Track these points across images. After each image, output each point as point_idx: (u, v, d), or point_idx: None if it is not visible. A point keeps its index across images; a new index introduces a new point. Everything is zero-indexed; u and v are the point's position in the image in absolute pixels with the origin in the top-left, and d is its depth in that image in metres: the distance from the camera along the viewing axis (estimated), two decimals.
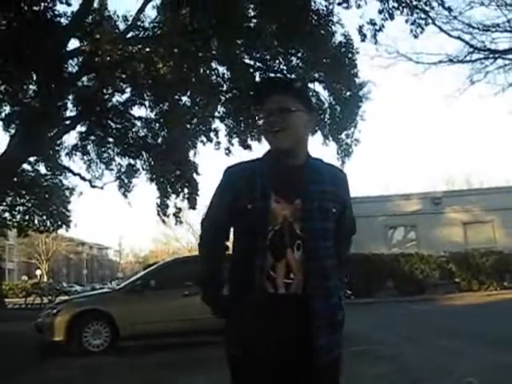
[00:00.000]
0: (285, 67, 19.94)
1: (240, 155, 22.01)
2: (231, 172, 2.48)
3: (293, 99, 2.39)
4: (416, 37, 17.45)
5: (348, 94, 19.66)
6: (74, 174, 23.90)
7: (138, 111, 28.84)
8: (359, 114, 20.22)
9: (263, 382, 2.26)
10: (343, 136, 20.47)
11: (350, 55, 18.83)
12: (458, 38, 19.49)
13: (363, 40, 17.82)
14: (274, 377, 2.27)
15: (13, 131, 20.65)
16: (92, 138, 23.14)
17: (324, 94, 20.70)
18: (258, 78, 19.27)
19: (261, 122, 2.44)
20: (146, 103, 21.01)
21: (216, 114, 21.03)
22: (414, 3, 17.10)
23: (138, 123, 22.37)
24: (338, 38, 18.85)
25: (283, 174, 2.36)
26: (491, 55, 19.92)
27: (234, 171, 2.47)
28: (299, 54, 19.29)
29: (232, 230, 2.47)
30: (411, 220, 28.66)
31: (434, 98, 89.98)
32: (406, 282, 22.68)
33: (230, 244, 2.52)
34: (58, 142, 22.42)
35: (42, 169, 24.02)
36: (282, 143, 2.35)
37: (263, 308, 2.23)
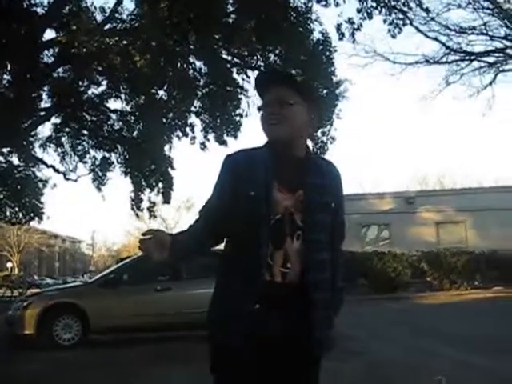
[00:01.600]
0: (262, 63, 19.92)
1: (215, 151, 21.95)
2: (232, 159, 2.44)
3: (292, 92, 2.39)
4: (394, 37, 17.59)
5: (325, 91, 19.68)
6: (48, 166, 23.64)
7: (113, 104, 28.51)
8: (335, 112, 20.27)
9: (257, 370, 2.25)
10: (319, 133, 20.48)
11: (327, 53, 18.86)
12: (435, 39, 19.73)
13: (341, 38, 17.90)
14: (269, 365, 2.28)
15: None
16: (67, 130, 22.91)
17: (303, 88, 20.73)
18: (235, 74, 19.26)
19: (260, 113, 2.43)
20: (122, 96, 20.86)
21: (192, 108, 20.93)
22: (393, 3, 17.20)
23: (114, 116, 22.20)
24: (316, 35, 18.87)
25: (286, 164, 2.36)
26: (467, 57, 20.19)
27: (236, 158, 2.44)
28: (277, 51, 19.27)
29: (233, 217, 2.35)
30: (385, 219, 28.87)
31: (409, 99, 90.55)
32: (379, 280, 22.84)
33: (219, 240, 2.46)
34: (32, 133, 22.16)
35: (15, 160, 23.71)
36: (279, 134, 2.35)
37: (264, 295, 2.23)
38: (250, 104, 20.04)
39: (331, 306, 2.41)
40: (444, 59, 20.39)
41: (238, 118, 20.10)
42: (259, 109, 2.45)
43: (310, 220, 2.32)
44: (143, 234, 2.27)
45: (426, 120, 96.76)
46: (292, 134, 2.36)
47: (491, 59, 20.53)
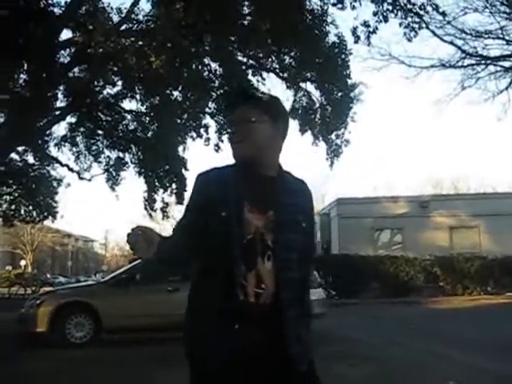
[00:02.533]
0: (277, 66, 19.93)
1: (229, 152, 21.91)
2: (204, 178, 2.44)
3: (256, 110, 2.38)
4: (409, 40, 17.48)
5: (339, 94, 19.65)
6: (62, 165, 23.77)
7: (128, 104, 28.66)
8: (350, 116, 20.23)
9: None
10: (333, 136, 20.47)
11: (342, 56, 18.82)
12: (451, 43, 19.63)
13: (356, 41, 17.81)
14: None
15: (1, 120, 20.55)
16: (82, 129, 23.03)
17: (316, 94, 20.69)
18: (250, 77, 19.26)
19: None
20: (137, 96, 20.93)
21: (207, 109, 20.96)
22: (409, 7, 17.11)
23: (129, 116, 22.29)
24: (332, 38, 18.83)
25: (256, 184, 2.34)
26: (483, 61, 20.07)
27: (207, 177, 2.43)
28: (292, 53, 19.25)
29: (202, 237, 2.34)
30: (398, 222, 28.77)
31: (424, 102, 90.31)
32: (391, 284, 22.77)
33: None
34: (48, 132, 22.29)
35: (30, 159, 23.90)
36: (240, 153, 2.36)
37: (235, 314, 2.22)
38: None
39: (302, 322, 2.37)
40: (460, 63, 20.29)
41: None
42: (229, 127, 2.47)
43: (281, 240, 2.30)
44: (132, 230, 2.25)
45: (440, 124, 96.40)
46: (255, 151, 2.35)
47: (507, 64, 20.39)
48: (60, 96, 20.64)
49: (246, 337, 2.23)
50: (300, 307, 2.35)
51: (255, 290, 2.26)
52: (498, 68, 20.23)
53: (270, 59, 19.81)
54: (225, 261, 2.26)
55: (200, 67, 19.24)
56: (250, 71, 19.91)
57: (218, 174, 2.42)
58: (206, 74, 19.63)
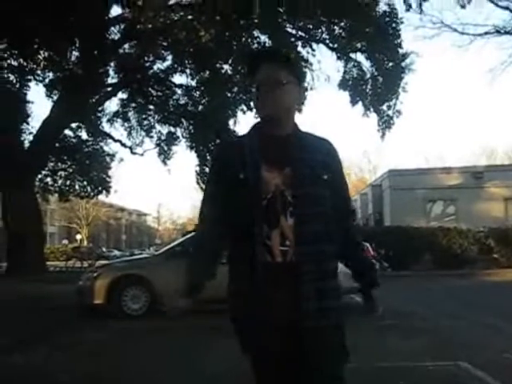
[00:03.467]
0: (327, 36, 19.73)
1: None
2: (221, 149, 2.56)
3: (285, 71, 2.41)
4: (463, 7, 17.13)
5: (390, 64, 19.37)
6: (115, 141, 24.18)
7: (178, 79, 28.84)
8: (401, 86, 19.94)
9: (269, 348, 2.32)
10: (384, 107, 20.24)
11: (393, 25, 18.53)
12: (506, 8, 19.07)
13: (408, 10, 17.55)
14: (278, 344, 2.31)
15: (55, 97, 20.93)
16: (133, 105, 23.33)
17: (366, 65, 20.44)
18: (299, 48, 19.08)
19: (257, 91, 2.42)
20: (187, 71, 21.06)
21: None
22: None
23: (179, 91, 22.46)
24: (382, 7, 18.58)
25: (271, 143, 2.38)
26: None
27: (224, 147, 2.56)
28: (342, 24, 19.03)
29: (229, 202, 2.42)
30: (451, 194, 28.35)
31: (477, 71, 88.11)
32: (444, 256, 22.50)
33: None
34: (100, 108, 22.65)
35: (84, 135, 24.34)
36: (269, 111, 2.38)
37: (263, 277, 2.26)
38: (315, 77, 19.92)
39: (329, 276, 2.36)
40: None
41: None
42: (255, 87, 2.44)
43: (300, 194, 2.31)
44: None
45: (494, 93, 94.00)
46: (284, 112, 2.41)
47: None
48: (111, 72, 20.96)
49: (274, 297, 2.26)
50: (322, 263, 2.34)
51: (280, 248, 2.28)
52: None
53: (319, 30, 19.63)
54: (248, 223, 2.30)
55: (249, 40, 19.19)
56: (299, 43, 19.77)
57: (234, 143, 2.54)
58: (255, 46, 19.57)
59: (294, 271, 2.27)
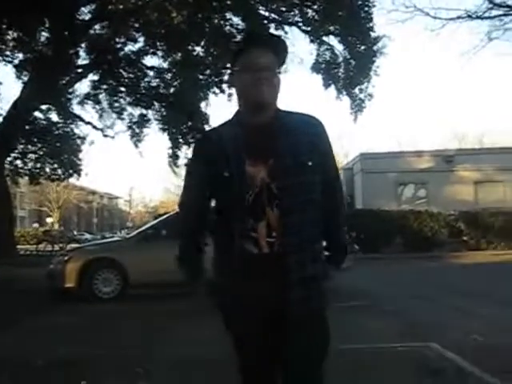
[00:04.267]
0: (300, 19, 19.67)
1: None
2: (203, 141, 2.53)
3: (275, 56, 2.39)
4: None
5: (363, 48, 19.41)
6: (86, 123, 23.93)
7: (150, 61, 28.51)
8: (373, 69, 20.01)
9: (253, 339, 2.35)
10: (356, 90, 20.31)
11: (366, 9, 18.54)
12: None
13: None
14: (262, 335, 2.34)
15: (25, 78, 20.60)
16: (104, 87, 23.06)
17: (339, 48, 20.45)
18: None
19: (244, 74, 2.35)
20: (159, 53, 20.87)
21: (229, 65, 20.86)
22: None
23: (151, 73, 22.28)
24: None
25: (253, 134, 2.34)
26: (511, 12, 19.57)
27: (206, 139, 2.50)
28: (315, 7, 18.98)
29: (213, 198, 2.45)
30: (422, 177, 28.60)
31: (450, 55, 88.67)
32: (415, 239, 22.74)
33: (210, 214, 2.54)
34: (70, 90, 22.37)
35: (54, 117, 24.03)
36: (270, 99, 2.35)
37: (247, 270, 2.27)
38: (288, 60, 19.84)
39: (315, 261, 2.37)
40: (487, 14, 19.81)
41: None
42: (240, 71, 2.38)
43: (284, 186, 2.29)
44: None
45: (466, 77, 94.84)
46: (275, 100, 2.40)
47: None
48: (82, 53, 20.70)
49: (260, 287, 2.27)
50: (305, 252, 2.33)
51: (267, 239, 2.28)
52: None
53: (292, 13, 19.56)
54: (233, 218, 2.30)
55: (222, 22, 19.07)
56: (272, 25, 19.69)
57: (215, 135, 2.45)
58: (227, 28, 19.46)
59: (281, 261, 2.27)
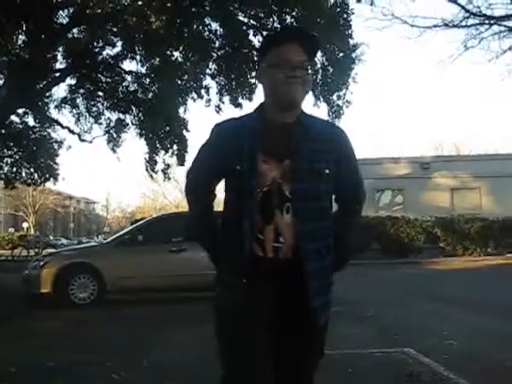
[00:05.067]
0: (279, 26, 19.69)
1: (230, 113, 21.94)
2: (219, 130, 2.39)
3: (311, 56, 2.36)
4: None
5: (341, 55, 19.48)
6: (63, 127, 23.69)
7: (128, 65, 28.55)
8: (351, 76, 20.08)
9: (252, 342, 2.24)
10: (334, 97, 20.34)
11: (344, 16, 18.61)
12: (454, 2, 19.40)
13: (359, 1, 17.64)
14: (263, 338, 2.25)
15: (1, 82, 20.40)
16: (81, 91, 22.89)
17: (317, 55, 20.53)
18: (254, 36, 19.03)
19: (277, 70, 2.26)
20: (137, 57, 20.74)
21: (207, 70, 20.80)
22: None
23: (129, 77, 22.13)
24: None
25: (273, 132, 2.27)
26: (487, 21, 19.82)
27: (222, 129, 2.38)
28: (293, 13, 19.03)
29: (223, 191, 2.40)
30: (399, 183, 28.79)
31: (427, 63, 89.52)
32: (392, 244, 22.88)
33: (217, 198, 2.49)
34: (47, 94, 22.15)
35: (31, 121, 23.80)
36: (300, 98, 2.31)
37: (253, 271, 2.19)
38: None
39: (330, 271, 2.35)
40: (463, 23, 20.04)
41: (253, 81, 19.97)
42: (271, 61, 2.29)
43: (299, 190, 2.22)
44: None
45: (443, 85, 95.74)
46: (303, 100, 2.36)
47: (511, 23, 20.14)
48: (59, 57, 20.51)
49: (264, 293, 2.22)
50: (325, 257, 2.30)
51: (273, 244, 2.22)
52: (502, 28, 19.99)
53: (271, 19, 19.57)
54: (241, 215, 2.22)
55: (201, 28, 19.05)
56: (251, 31, 19.69)
57: (232, 126, 2.38)
58: (206, 34, 19.44)
59: (287, 269, 2.22)
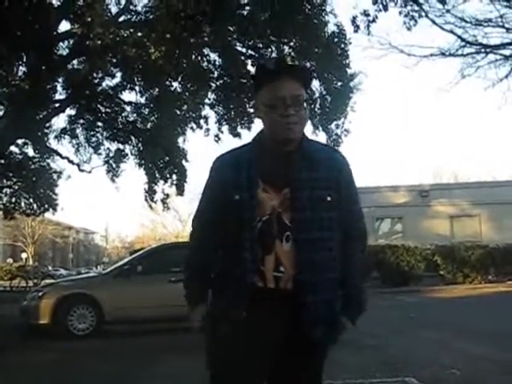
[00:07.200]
0: (276, 56, 19.87)
1: (229, 143, 22.03)
2: (219, 163, 2.37)
3: (304, 89, 2.31)
4: (409, 29, 17.47)
5: (339, 84, 19.62)
6: (62, 158, 23.76)
7: (128, 96, 28.50)
8: (350, 105, 20.22)
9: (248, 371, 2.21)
10: (333, 126, 20.45)
11: (342, 45, 18.79)
12: (451, 31, 19.51)
13: (356, 31, 17.78)
14: (261, 367, 2.23)
15: (1, 113, 20.53)
16: (81, 121, 23.02)
17: (315, 84, 20.66)
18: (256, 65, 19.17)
19: (272, 112, 2.22)
20: (137, 88, 20.91)
21: (206, 100, 20.96)
22: None
23: (128, 108, 22.27)
24: (331, 27, 18.81)
25: (272, 161, 2.24)
26: (483, 50, 19.96)
27: (222, 162, 2.36)
28: (291, 43, 19.22)
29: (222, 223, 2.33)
30: (398, 212, 28.80)
31: (425, 91, 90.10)
32: (392, 273, 22.74)
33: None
34: (47, 124, 22.26)
35: (30, 151, 23.88)
36: (296, 135, 2.25)
37: (252, 302, 2.16)
38: None
39: (333, 304, 2.29)
40: (459, 52, 20.17)
41: (251, 110, 20.09)
42: (265, 98, 2.24)
43: (299, 218, 2.19)
44: None
45: (442, 112, 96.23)
46: (302, 134, 2.31)
47: (507, 52, 20.29)
48: (59, 88, 20.65)
49: (264, 324, 2.18)
50: (329, 290, 2.24)
51: (274, 273, 2.18)
52: (498, 56, 20.11)
53: (269, 49, 19.75)
54: (238, 246, 2.19)
55: (199, 58, 19.23)
56: (249, 61, 19.86)
57: (231, 157, 2.35)
58: (205, 64, 19.63)
59: (288, 299, 2.19)
